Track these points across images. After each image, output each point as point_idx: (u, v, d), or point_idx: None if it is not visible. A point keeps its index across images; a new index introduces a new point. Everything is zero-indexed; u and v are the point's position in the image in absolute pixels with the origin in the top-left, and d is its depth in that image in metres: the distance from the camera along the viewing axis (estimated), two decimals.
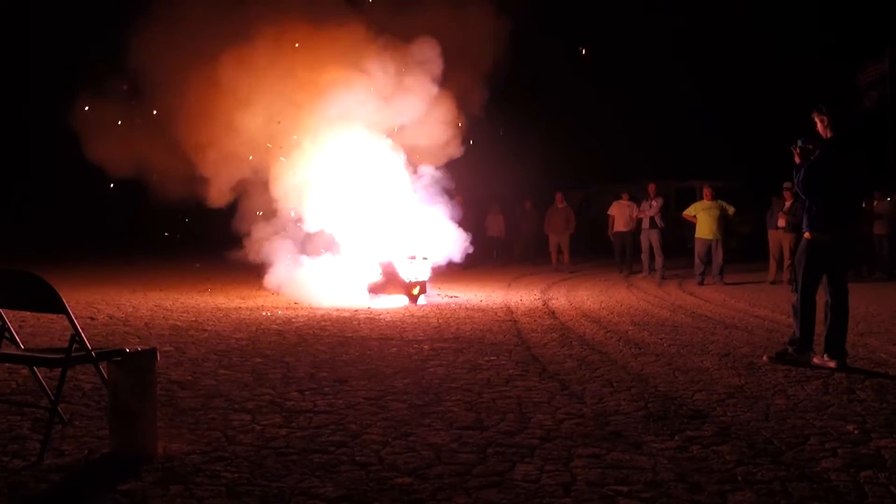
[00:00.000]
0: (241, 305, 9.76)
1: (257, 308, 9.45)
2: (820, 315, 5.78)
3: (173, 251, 19.23)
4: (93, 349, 3.70)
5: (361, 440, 3.82)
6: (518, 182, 22.01)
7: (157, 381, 3.88)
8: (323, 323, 8.13)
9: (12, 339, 4.07)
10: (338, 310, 9.27)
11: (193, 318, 8.50)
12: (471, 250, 11.56)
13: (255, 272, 11.35)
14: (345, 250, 10.73)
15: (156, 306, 9.66)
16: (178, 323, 8.14)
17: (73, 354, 3.59)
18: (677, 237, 16.69)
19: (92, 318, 8.43)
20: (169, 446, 3.66)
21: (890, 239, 13.71)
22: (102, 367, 3.79)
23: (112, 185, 11.86)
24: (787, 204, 12.71)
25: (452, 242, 11.00)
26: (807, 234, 5.76)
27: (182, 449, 3.64)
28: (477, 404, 4.56)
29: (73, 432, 3.92)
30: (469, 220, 17.16)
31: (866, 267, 13.73)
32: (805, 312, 5.76)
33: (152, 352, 3.63)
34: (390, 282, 10.11)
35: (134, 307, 9.57)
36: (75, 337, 3.58)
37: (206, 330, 7.64)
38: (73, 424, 4.05)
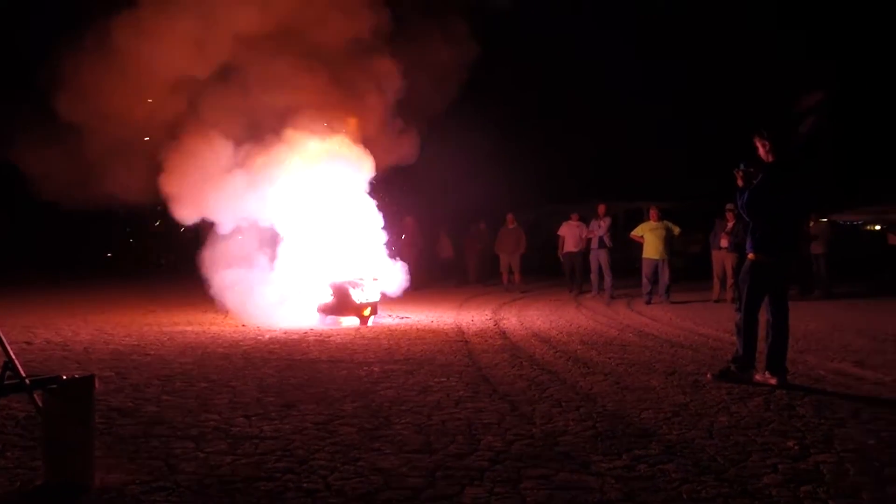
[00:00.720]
0: (187, 328, 9.54)
1: (203, 331, 9.25)
2: (761, 333, 5.94)
3: (117, 272, 18.72)
4: (27, 376, 3.55)
5: (308, 466, 3.75)
6: (470, 203, 22.15)
7: (96, 409, 3.75)
8: (271, 346, 8.00)
9: None
10: (286, 332, 9.14)
11: (136, 342, 8.27)
12: (421, 271, 11.59)
13: (202, 293, 11.13)
14: (295, 270, 10.63)
15: (97, 330, 9.37)
16: (120, 347, 7.90)
17: (5, 382, 3.44)
18: (626, 257, 16.98)
19: (28, 343, 8.12)
20: (107, 477, 3.53)
21: (827, 258, 14.18)
22: (37, 395, 3.64)
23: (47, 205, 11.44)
24: (730, 225, 13.05)
25: (402, 265, 10.99)
26: (750, 256, 5.93)
27: (121, 479, 3.52)
28: (427, 427, 4.53)
29: (5, 464, 3.75)
30: (420, 241, 17.21)
31: (802, 286, 14.16)
32: (748, 331, 5.90)
33: (90, 379, 3.50)
34: (341, 303, 10.02)
35: (73, 331, 9.26)
36: (8, 364, 3.44)
37: (148, 354, 7.44)
38: (5, 456, 3.88)
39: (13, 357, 3.48)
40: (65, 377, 3.50)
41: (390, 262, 10.82)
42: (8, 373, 3.44)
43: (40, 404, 3.55)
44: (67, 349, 7.78)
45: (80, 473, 3.39)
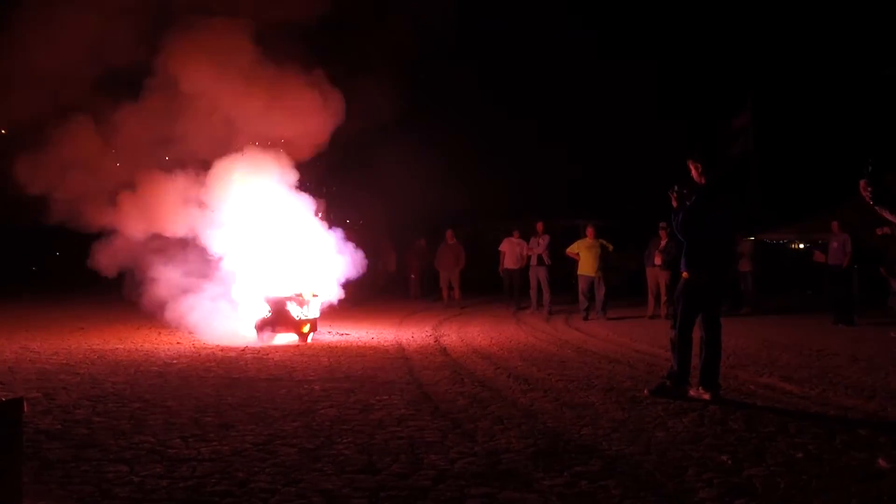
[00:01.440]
0: (118, 346, 9.23)
1: (136, 348, 8.97)
2: (695, 349, 6.12)
3: (42, 286, 17.99)
4: None
5: (248, 489, 3.68)
6: (411, 218, 22.19)
7: (23, 432, 3.59)
8: (208, 363, 7.81)
9: None
10: (223, 349, 8.95)
11: (64, 361, 7.96)
12: (361, 286, 11.53)
13: (133, 308, 10.83)
14: (232, 285, 10.44)
15: (21, 348, 8.98)
16: (47, 366, 7.59)
17: None
18: (564, 274, 17.25)
19: None
20: None
21: (754, 276, 14.73)
22: None
23: None
24: (663, 243, 13.44)
25: (341, 278, 10.90)
26: (684, 274, 6.12)
27: None
28: (369, 446, 4.50)
29: None
30: (361, 255, 17.09)
31: (732, 302, 14.66)
32: (682, 347, 6.08)
33: (18, 402, 3.35)
34: (279, 319, 9.87)
35: None
36: None
37: (78, 373, 7.16)
38: None
39: None
40: None
41: (331, 274, 10.70)
42: None
43: None
44: None
45: (7, 501, 3.23)
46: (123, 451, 4.35)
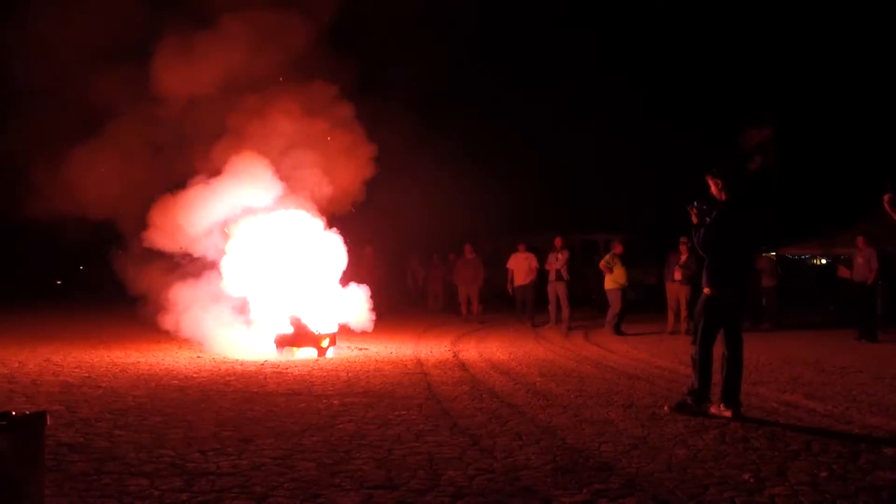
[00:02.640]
0: (140, 360, 9.31)
1: (157, 362, 9.04)
2: (716, 365, 6.06)
3: (66, 300, 18.21)
4: None
5: (267, 503, 3.69)
6: (433, 234, 22.35)
7: (45, 445, 3.63)
8: (227, 378, 7.86)
9: None
10: (243, 363, 9.00)
11: (87, 374, 8.04)
12: (380, 301, 11.55)
13: (154, 322, 10.93)
14: (253, 302, 10.51)
15: (45, 361, 9.09)
16: (70, 379, 7.67)
17: None
18: (581, 289, 17.16)
19: None
20: None
21: (776, 291, 14.57)
22: None
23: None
24: (683, 258, 13.34)
25: (361, 296, 10.93)
26: (706, 290, 6.07)
27: None
28: (387, 461, 4.49)
29: None
30: (379, 270, 17.17)
31: (752, 318, 14.51)
32: (703, 364, 6.02)
33: (41, 415, 3.40)
34: (299, 334, 9.91)
35: (20, 362, 8.96)
36: None
37: (100, 387, 7.24)
38: None
39: None
40: (14, 413, 3.39)
41: (351, 292, 10.73)
42: None
43: None
44: (14, 381, 7.52)
45: None
46: (144, 464, 4.38)
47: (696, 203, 6.18)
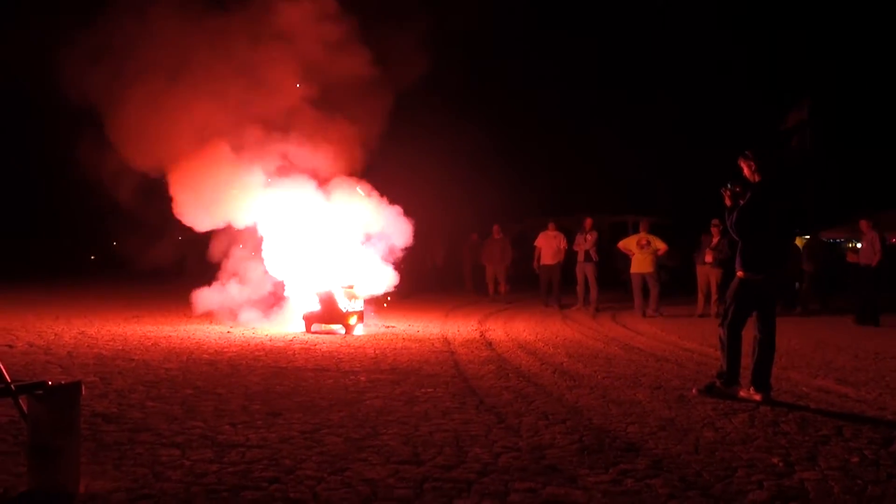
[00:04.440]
0: (172, 334, 9.47)
1: (188, 337, 9.19)
2: (746, 349, 5.99)
3: (100, 275, 18.57)
4: (12, 381, 3.52)
5: (295, 476, 3.74)
6: (463, 214, 22.34)
7: (80, 414, 3.71)
8: (257, 353, 7.96)
9: None
10: (272, 339, 9.11)
11: (120, 347, 8.20)
12: (408, 279, 11.60)
13: (187, 297, 11.12)
14: (282, 278, 10.63)
15: (80, 334, 9.28)
16: (104, 352, 7.83)
17: None
18: (610, 270, 17.04)
19: (10, 347, 8.03)
20: (92, 484, 3.50)
21: (813, 275, 14.35)
22: (22, 400, 3.60)
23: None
24: (715, 240, 13.17)
25: (389, 272, 10.98)
26: (739, 274, 5.98)
27: (106, 486, 3.49)
28: (414, 437, 4.52)
29: None
30: (407, 249, 17.22)
31: (785, 302, 14.32)
32: (732, 347, 5.95)
33: (77, 385, 3.47)
34: (327, 311, 9.99)
35: (56, 335, 9.17)
36: None
37: (133, 359, 7.38)
38: None
39: None
40: (51, 383, 3.47)
41: (379, 267, 10.79)
42: None
43: (26, 410, 3.51)
44: (50, 353, 7.70)
45: (66, 480, 3.35)
46: (176, 435, 4.46)
47: (729, 185, 6.07)
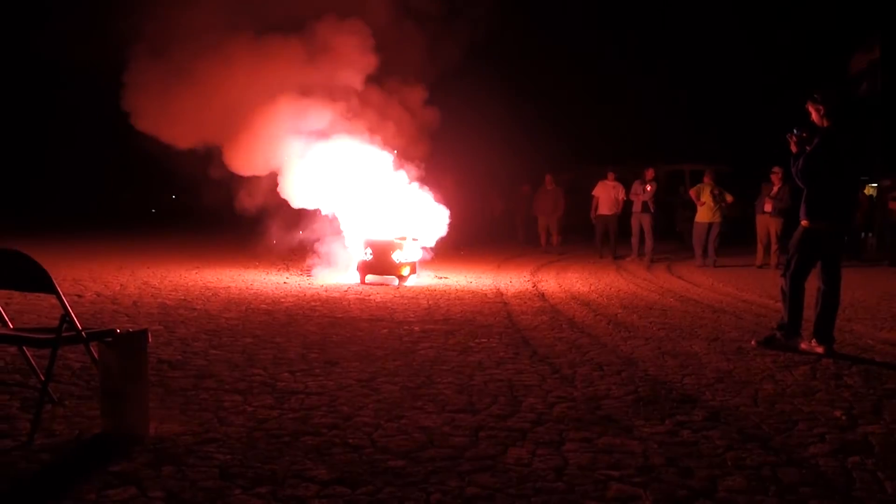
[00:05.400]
0: (231, 284, 9.71)
1: (246, 287, 9.41)
2: (808, 301, 5.83)
3: (161, 226, 19.10)
4: (82, 329, 3.66)
5: (353, 422, 3.82)
6: (513, 164, 22.13)
7: (148, 361, 3.85)
8: (313, 303, 8.11)
9: (0, 318, 4.03)
10: (327, 289, 9.26)
11: (182, 297, 8.46)
12: (460, 232, 11.61)
13: (243, 248, 11.37)
14: (337, 229, 10.76)
15: (144, 284, 9.60)
16: (167, 301, 8.09)
17: (63, 334, 3.55)
18: (666, 221, 16.73)
19: (79, 296, 8.36)
20: (160, 427, 3.65)
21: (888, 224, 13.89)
22: (93, 347, 3.76)
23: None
24: (775, 189, 12.77)
25: (440, 223, 10.99)
26: (804, 222, 5.78)
27: (174, 430, 3.63)
28: (468, 387, 4.57)
29: (64, 412, 3.89)
30: (461, 201, 17.22)
31: (853, 251, 13.89)
32: (794, 298, 5.80)
33: (144, 333, 3.59)
34: (380, 262, 10.09)
35: (122, 285, 9.50)
36: (65, 317, 3.54)
37: (195, 309, 7.60)
38: (64, 405, 4.02)
39: (70, 310, 3.57)
40: (119, 331, 3.60)
41: (432, 216, 10.80)
42: (65, 325, 3.55)
43: (97, 357, 3.66)
44: (117, 303, 7.99)
45: (137, 424, 3.50)
46: (237, 381, 4.60)
47: (795, 130, 5.82)
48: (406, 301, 8.37)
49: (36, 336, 3.80)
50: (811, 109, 5.77)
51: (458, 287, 9.84)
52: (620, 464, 3.29)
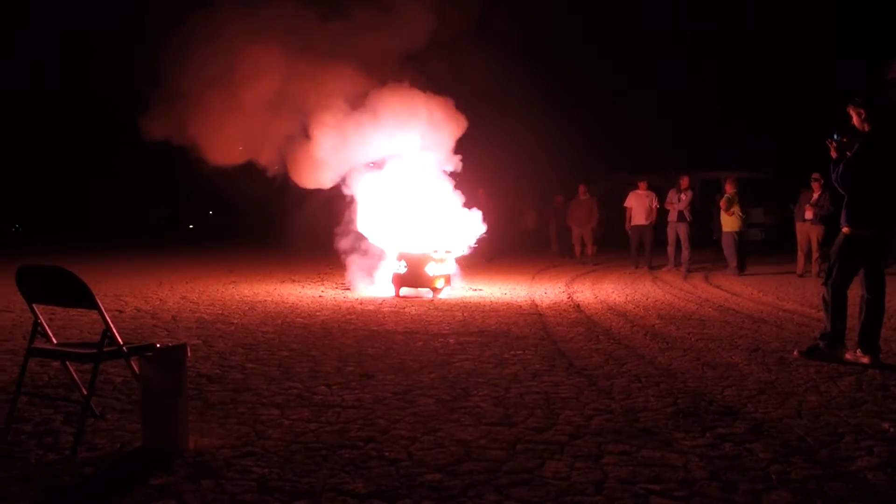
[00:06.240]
0: (267, 298, 9.81)
1: (282, 301, 9.50)
2: (851, 310, 5.69)
3: (198, 242, 19.40)
4: (123, 344, 3.73)
5: (390, 435, 3.82)
6: (547, 175, 22.09)
7: (187, 375, 3.90)
8: (348, 316, 8.15)
9: (44, 333, 4.12)
10: (362, 302, 9.30)
11: (220, 311, 8.57)
12: (493, 243, 11.58)
13: (277, 262, 11.48)
14: (372, 243, 10.82)
15: (182, 298, 9.75)
16: (205, 316, 8.20)
17: (104, 349, 3.62)
18: (703, 230, 16.50)
19: (120, 311, 8.52)
20: (200, 441, 3.68)
21: None
22: (133, 361, 3.82)
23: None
24: (815, 196, 12.52)
25: (475, 235, 10.98)
26: (845, 230, 5.65)
27: (213, 443, 3.66)
28: (504, 399, 4.53)
29: (106, 426, 3.96)
30: (493, 213, 17.22)
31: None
32: (837, 307, 5.66)
33: (183, 347, 3.64)
34: (415, 274, 10.11)
35: (161, 300, 9.66)
36: (107, 332, 3.60)
37: (232, 323, 7.69)
38: (106, 418, 4.09)
39: (111, 325, 3.64)
40: (159, 345, 3.66)
41: (466, 228, 10.80)
42: (106, 340, 3.61)
43: (137, 371, 3.72)
44: (156, 317, 8.12)
45: (177, 437, 3.54)
46: (275, 395, 4.64)
47: (835, 136, 5.70)
48: (441, 313, 8.36)
49: (78, 351, 3.88)
50: (852, 113, 5.64)
51: (492, 299, 9.81)
52: (661, 477, 3.23)
